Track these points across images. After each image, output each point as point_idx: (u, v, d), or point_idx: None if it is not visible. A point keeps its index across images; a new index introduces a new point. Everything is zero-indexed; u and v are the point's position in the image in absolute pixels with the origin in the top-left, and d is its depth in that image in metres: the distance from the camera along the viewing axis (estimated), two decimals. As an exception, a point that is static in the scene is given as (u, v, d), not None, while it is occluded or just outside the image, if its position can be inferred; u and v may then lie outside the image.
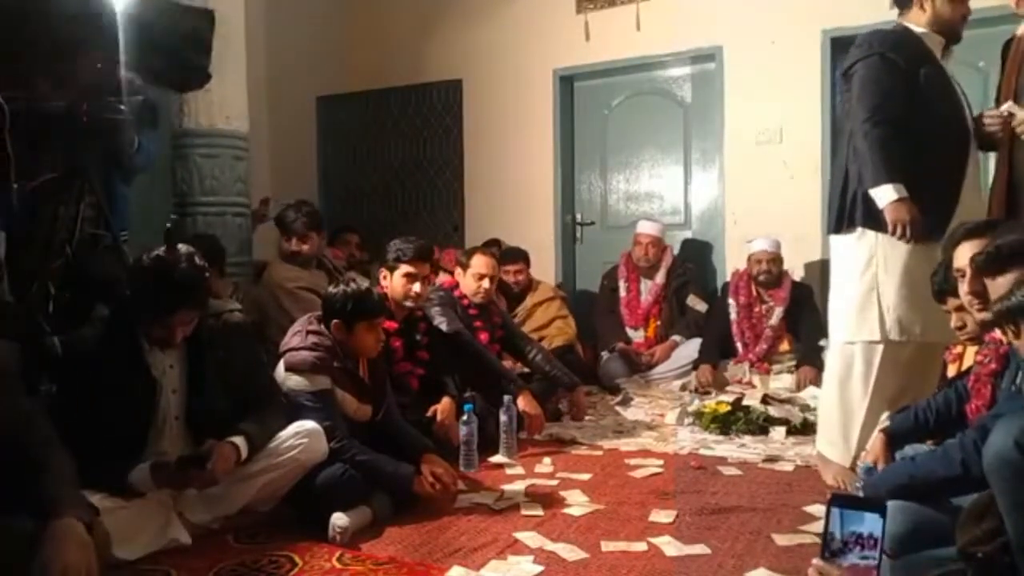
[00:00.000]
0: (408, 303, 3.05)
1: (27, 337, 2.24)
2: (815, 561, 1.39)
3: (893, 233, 2.49)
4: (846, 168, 2.63)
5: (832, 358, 2.74)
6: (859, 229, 2.59)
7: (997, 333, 1.90)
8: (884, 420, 2.92)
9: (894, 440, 2.07)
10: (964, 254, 1.94)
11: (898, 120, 2.50)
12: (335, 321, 2.52)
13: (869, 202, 2.53)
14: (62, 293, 2.49)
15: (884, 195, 2.48)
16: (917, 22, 2.63)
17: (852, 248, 2.64)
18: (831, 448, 2.70)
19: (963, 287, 1.95)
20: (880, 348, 2.59)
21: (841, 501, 1.44)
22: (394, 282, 3.05)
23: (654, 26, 4.98)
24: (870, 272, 2.59)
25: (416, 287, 3.03)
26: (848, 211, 2.61)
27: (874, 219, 2.53)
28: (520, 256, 4.64)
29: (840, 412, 2.66)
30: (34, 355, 2.20)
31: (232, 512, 2.26)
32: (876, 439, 2.09)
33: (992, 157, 2.79)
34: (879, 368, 2.61)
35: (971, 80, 3.07)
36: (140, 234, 2.99)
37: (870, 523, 1.41)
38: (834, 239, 2.72)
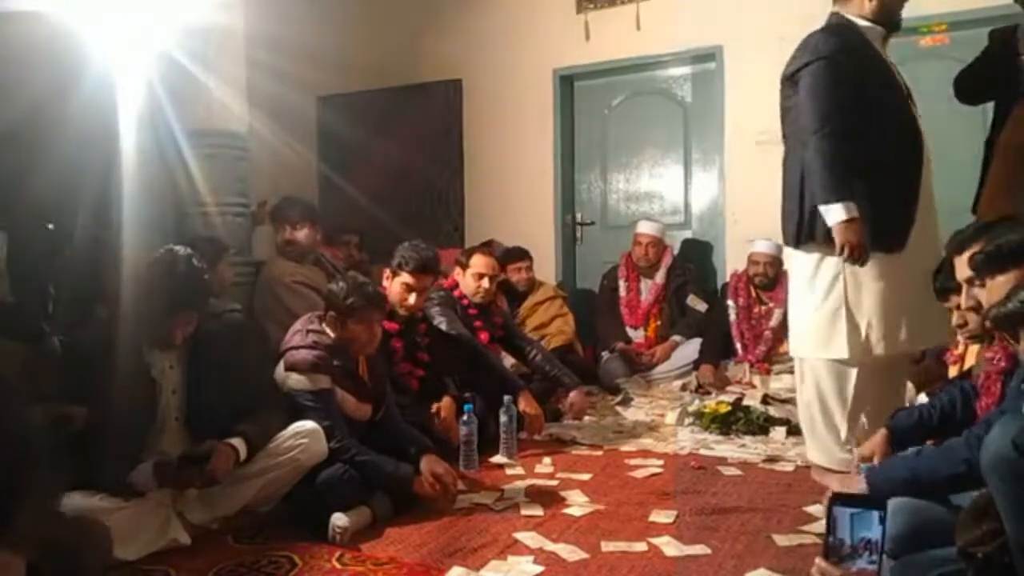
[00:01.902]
0: (402, 311, 3.05)
1: (27, 338, 2.25)
2: (818, 561, 1.39)
3: (841, 254, 2.45)
4: (801, 179, 2.54)
5: (800, 373, 2.74)
6: (819, 245, 2.55)
7: None
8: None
9: (896, 436, 2.05)
10: (957, 270, 1.93)
11: (848, 131, 2.43)
12: (330, 314, 2.53)
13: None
14: (62, 293, 2.49)
15: (834, 214, 2.43)
16: (860, 12, 2.55)
17: (814, 264, 2.60)
18: (824, 455, 2.69)
19: (963, 300, 1.95)
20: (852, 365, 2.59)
21: (842, 500, 1.44)
22: (393, 287, 3.05)
23: (654, 26, 4.98)
24: (837, 290, 2.56)
25: (412, 299, 3.03)
26: (808, 225, 2.55)
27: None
28: (523, 254, 4.65)
29: (824, 424, 2.67)
30: (33, 355, 2.20)
31: (232, 512, 2.27)
32: (878, 434, 2.08)
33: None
34: (856, 383, 2.60)
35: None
36: (141, 234, 2.99)
37: (876, 527, 1.42)
38: (793, 252, 2.67)
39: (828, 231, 2.49)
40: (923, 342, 2.66)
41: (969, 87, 2.91)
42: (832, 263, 2.55)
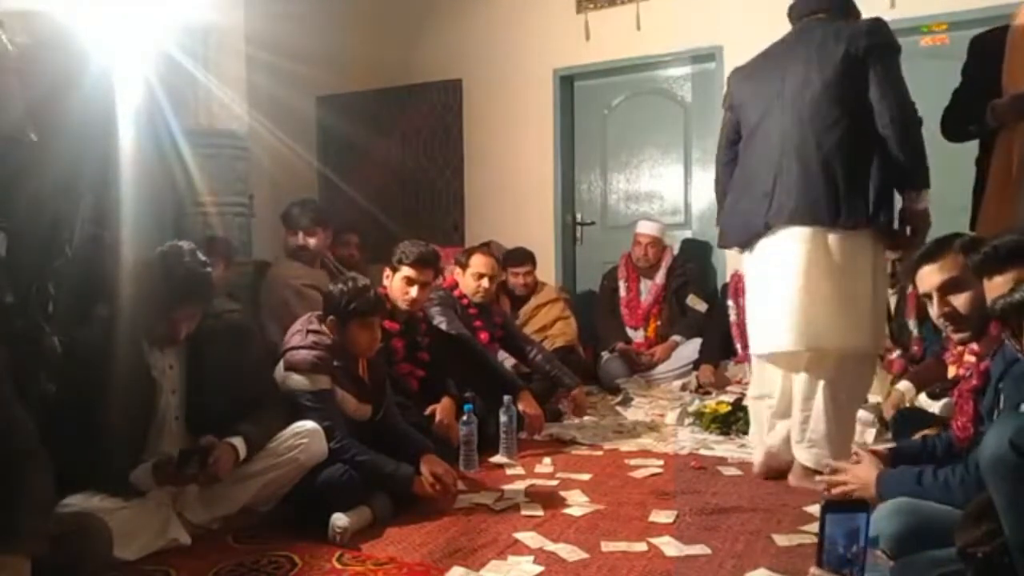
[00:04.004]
0: (403, 305, 3.04)
1: (27, 338, 2.24)
2: (813, 570, 1.39)
3: (911, 240, 2.45)
4: (865, 160, 2.43)
5: (817, 369, 2.56)
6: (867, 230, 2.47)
7: (975, 346, 1.91)
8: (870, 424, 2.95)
9: (897, 460, 2.01)
10: (925, 279, 1.94)
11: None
12: (330, 318, 2.53)
13: (884, 200, 2.44)
14: (62, 293, 2.49)
15: (925, 201, 2.45)
16: None
17: (857, 249, 2.48)
18: (812, 452, 2.59)
19: (933, 310, 1.95)
20: (869, 357, 2.60)
21: (833, 507, 1.45)
22: (394, 283, 3.05)
23: (654, 26, 4.98)
24: (875, 278, 2.51)
25: (414, 291, 3.03)
26: (871, 209, 2.43)
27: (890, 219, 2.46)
28: (527, 258, 4.62)
29: (839, 422, 2.58)
30: (33, 355, 2.20)
31: (232, 512, 2.27)
32: (867, 455, 2.04)
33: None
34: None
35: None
36: (140, 234, 2.99)
37: (864, 530, 1.42)
38: (819, 235, 2.49)
39: (886, 217, 2.45)
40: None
41: (951, 130, 2.95)
42: (873, 249, 2.51)
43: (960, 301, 1.88)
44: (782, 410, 2.68)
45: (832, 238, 2.47)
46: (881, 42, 2.46)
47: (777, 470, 2.71)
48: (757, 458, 2.77)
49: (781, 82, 2.57)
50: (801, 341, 2.50)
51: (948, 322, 1.92)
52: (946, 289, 1.90)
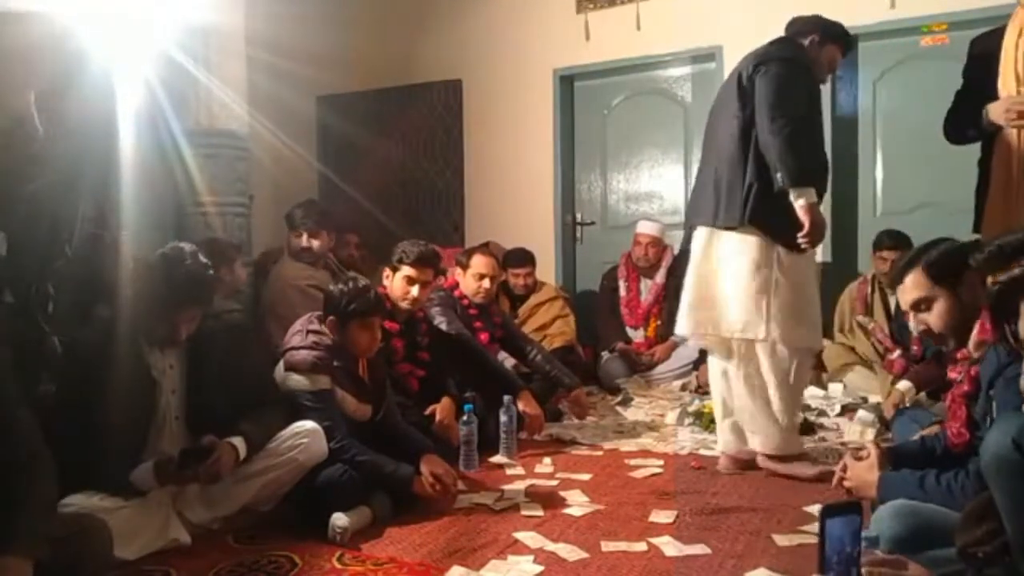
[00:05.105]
0: (405, 305, 3.04)
1: (27, 338, 2.24)
2: None
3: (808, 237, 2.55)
4: (744, 162, 2.64)
5: (756, 355, 2.75)
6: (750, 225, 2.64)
7: (968, 350, 1.91)
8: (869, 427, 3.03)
9: (896, 460, 2.01)
10: (900, 299, 2.01)
11: (802, 128, 2.59)
12: (330, 318, 2.53)
13: (764, 199, 2.59)
14: (62, 293, 2.49)
15: (808, 196, 2.53)
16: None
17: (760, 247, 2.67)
18: (757, 437, 2.79)
19: (913, 326, 2.00)
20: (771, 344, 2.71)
21: (831, 511, 1.45)
22: (394, 283, 3.05)
23: (654, 26, 4.98)
24: (763, 269, 2.66)
25: (414, 291, 3.03)
26: (750, 207, 2.62)
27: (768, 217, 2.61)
28: (527, 260, 4.63)
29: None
30: (34, 356, 2.20)
31: (232, 512, 2.27)
32: (876, 452, 2.05)
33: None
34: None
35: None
36: (141, 234, 2.99)
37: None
38: (734, 235, 2.71)
39: (768, 212, 2.60)
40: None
41: (952, 133, 2.98)
42: (760, 245, 2.65)
43: (932, 318, 1.92)
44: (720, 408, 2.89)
45: (719, 236, 2.74)
46: (769, 59, 2.65)
47: (742, 463, 2.85)
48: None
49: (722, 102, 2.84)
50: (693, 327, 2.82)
51: (927, 337, 1.98)
52: (917, 308, 1.95)
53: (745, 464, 2.82)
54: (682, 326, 2.84)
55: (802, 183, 2.54)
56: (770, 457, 2.76)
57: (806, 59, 2.72)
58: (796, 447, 2.82)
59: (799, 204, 2.53)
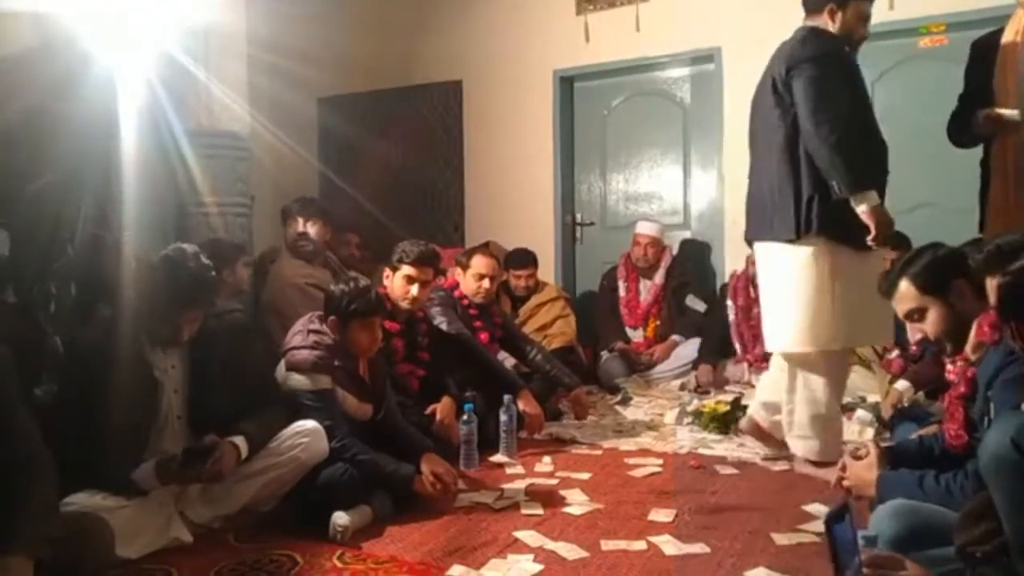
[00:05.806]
0: (405, 304, 3.05)
1: (29, 337, 2.25)
2: None
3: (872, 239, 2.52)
4: (795, 172, 2.60)
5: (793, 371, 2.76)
6: (812, 236, 2.59)
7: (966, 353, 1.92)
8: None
9: (895, 459, 2.02)
10: (896, 310, 2.01)
11: (853, 127, 2.53)
12: (331, 318, 2.53)
13: (825, 208, 2.54)
14: (64, 293, 2.50)
15: (871, 200, 2.50)
16: (825, 28, 2.64)
17: (809, 256, 2.63)
18: (805, 443, 2.76)
19: (911, 335, 2.02)
20: (835, 353, 2.71)
21: (834, 518, 1.46)
22: (394, 282, 3.06)
23: (653, 27, 4.98)
24: (827, 280, 2.62)
25: (414, 290, 3.03)
26: (805, 218, 2.58)
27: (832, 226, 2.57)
28: (529, 261, 4.62)
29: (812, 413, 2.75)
30: (35, 355, 2.21)
31: (233, 511, 2.27)
32: (875, 451, 2.06)
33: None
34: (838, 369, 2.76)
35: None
36: (142, 234, 3.00)
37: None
38: (780, 248, 2.69)
39: (829, 222, 2.55)
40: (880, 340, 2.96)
41: (955, 136, 2.99)
42: (813, 255, 2.62)
43: (927, 326, 1.93)
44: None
45: (774, 249, 2.73)
46: (799, 61, 2.57)
47: (764, 433, 2.94)
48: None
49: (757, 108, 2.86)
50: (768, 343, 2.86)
51: (926, 344, 2.00)
52: (910, 318, 1.96)
53: (765, 436, 2.91)
54: (778, 342, 2.80)
55: (859, 188, 2.49)
56: (812, 463, 2.74)
57: (835, 46, 2.60)
58: (838, 453, 2.73)
59: (861, 210, 2.50)
